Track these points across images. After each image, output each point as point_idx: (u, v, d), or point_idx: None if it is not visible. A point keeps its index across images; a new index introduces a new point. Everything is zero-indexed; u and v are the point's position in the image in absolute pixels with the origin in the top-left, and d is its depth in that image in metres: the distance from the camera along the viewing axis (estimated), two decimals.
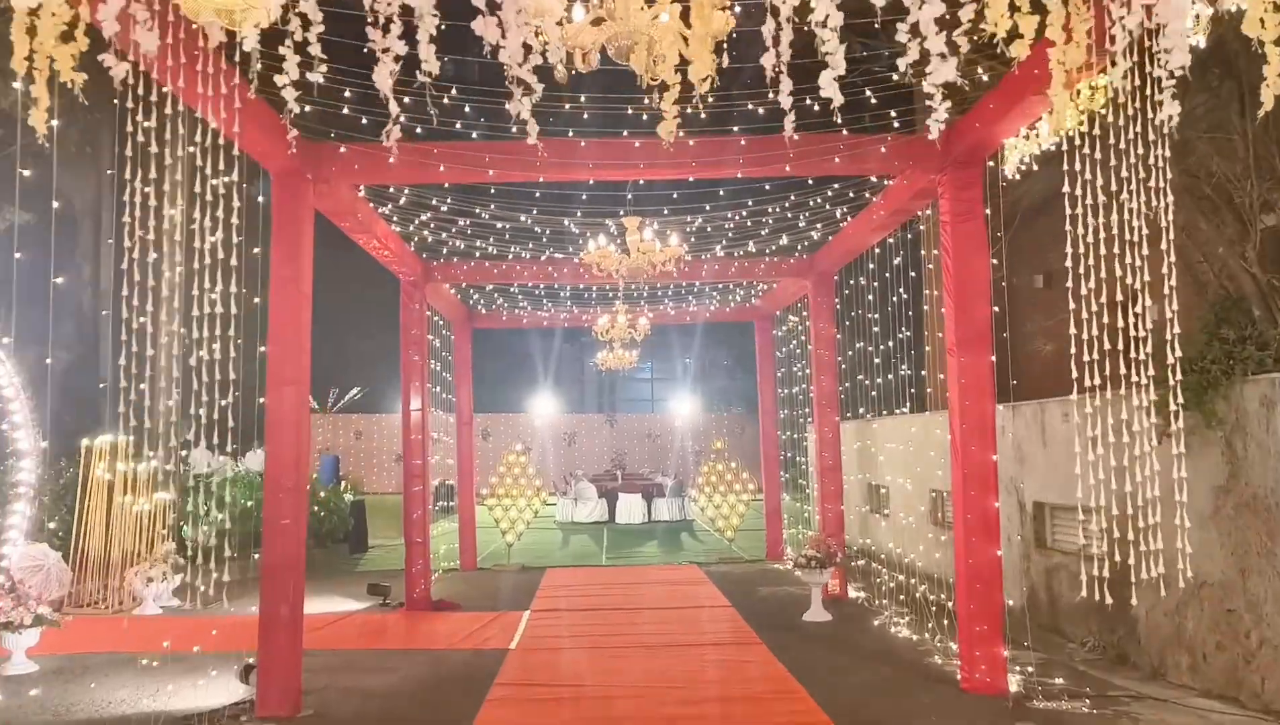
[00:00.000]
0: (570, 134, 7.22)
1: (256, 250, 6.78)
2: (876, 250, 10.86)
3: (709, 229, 10.14)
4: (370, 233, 9.04)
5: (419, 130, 6.53)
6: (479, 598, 11.51)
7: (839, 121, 7.15)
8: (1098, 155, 4.03)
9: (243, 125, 4.27)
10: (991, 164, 7.35)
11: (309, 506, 14.42)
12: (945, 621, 8.60)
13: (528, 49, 3.18)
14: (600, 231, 9.57)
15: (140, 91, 3.80)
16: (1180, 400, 4.05)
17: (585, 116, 7.20)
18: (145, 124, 3.86)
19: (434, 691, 7.26)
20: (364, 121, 6.41)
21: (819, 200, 9.25)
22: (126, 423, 4.30)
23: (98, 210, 16.50)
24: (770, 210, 9.40)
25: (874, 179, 8.70)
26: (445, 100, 6.45)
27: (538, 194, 9.19)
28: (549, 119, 7.11)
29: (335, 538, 15.59)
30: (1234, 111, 7.32)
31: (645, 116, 6.79)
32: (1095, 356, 4.13)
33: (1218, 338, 6.54)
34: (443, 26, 3.19)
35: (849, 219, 9.92)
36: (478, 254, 11.20)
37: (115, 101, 3.90)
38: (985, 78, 6.29)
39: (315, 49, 3.04)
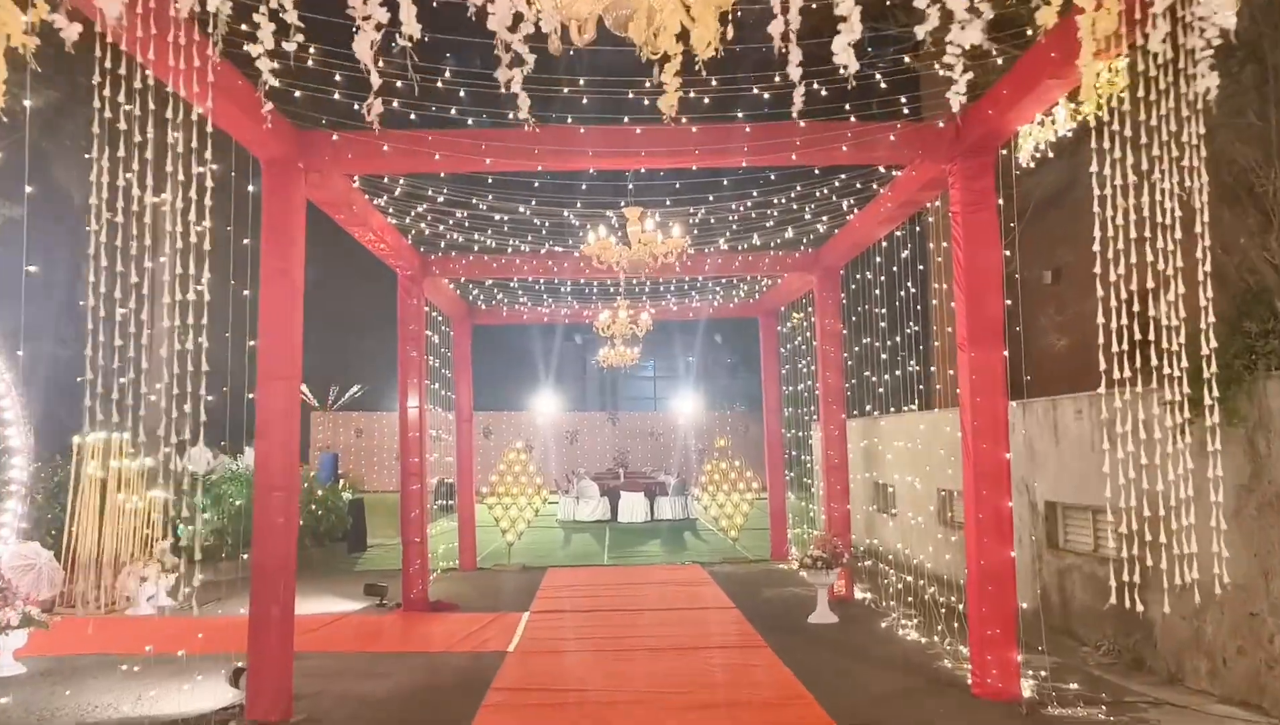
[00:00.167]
0: (569, 120, 7.00)
1: (246, 241, 6.59)
2: (883, 243, 10.64)
3: (712, 221, 9.93)
4: (366, 225, 8.85)
5: (413, 117, 6.33)
6: (478, 598, 11.32)
7: (847, 108, 6.97)
8: (1127, 132, 3.80)
9: (221, 104, 4.07)
10: (1004, 152, 7.11)
11: (307, 505, 14.39)
12: (955, 624, 8.38)
13: (519, 18, 2.97)
14: (601, 223, 9.35)
15: (109, 65, 3.60)
16: (1215, 394, 3.83)
17: (584, 101, 6.98)
18: (108, 95, 3.64)
19: (429, 697, 7.06)
20: (356, 107, 6.20)
21: (825, 191, 9.03)
22: (94, 418, 4.10)
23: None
24: (776, 201, 9.18)
25: (881, 170, 8.49)
26: (439, 84, 6.24)
27: (536, 184, 8.98)
28: (549, 111, 6.90)
29: (333, 537, 15.41)
30: (1257, 97, 7.08)
31: (646, 101, 6.58)
32: (1124, 347, 3.89)
33: (1240, 331, 6.31)
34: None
35: (855, 211, 9.70)
36: (476, 248, 11.00)
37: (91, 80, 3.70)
38: (999, 61, 6.07)
39: (291, 16, 2.84)
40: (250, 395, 6.66)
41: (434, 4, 3.20)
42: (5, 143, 7.42)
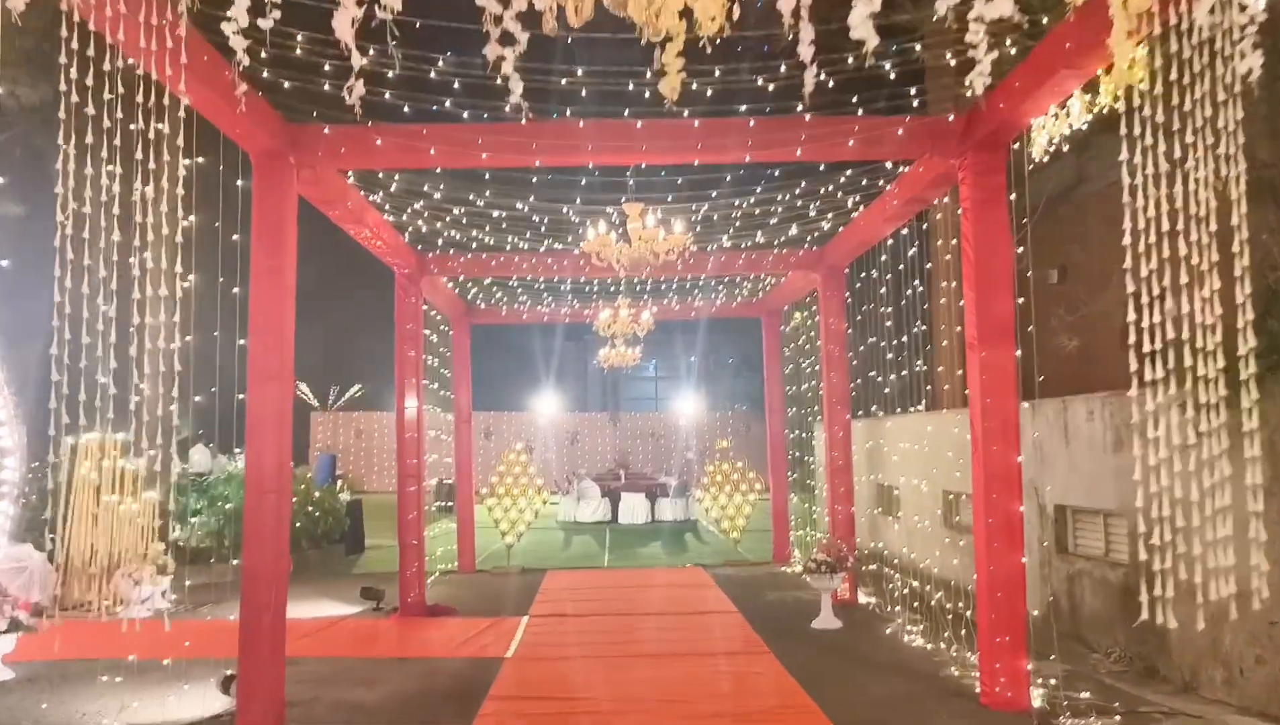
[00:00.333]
0: (568, 114, 6.81)
1: (236, 237, 6.41)
2: (889, 241, 10.45)
3: (715, 218, 9.74)
4: (361, 222, 8.66)
5: (406, 109, 6.15)
6: (476, 602, 11.14)
7: (855, 100, 6.78)
8: (1159, 117, 3.61)
9: (202, 92, 3.88)
10: (1015, 146, 6.92)
11: (304, 507, 14.20)
12: (962, 630, 8.19)
13: None
14: (600, 219, 9.16)
15: (76, 45, 3.42)
16: (1255, 396, 3.64)
17: (583, 94, 6.79)
18: (74, 76, 3.47)
19: (424, 704, 6.89)
20: (346, 99, 6.03)
21: (830, 188, 8.84)
22: (58, 419, 3.93)
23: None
24: (779, 197, 9.00)
25: (888, 166, 8.30)
26: (433, 75, 6.06)
27: (534, 180, 8.80)
28: (546, 105, 6.71)
29: (331, 538, 15.22)
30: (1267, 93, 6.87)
31: (647, 94, 6.40)
32: (1157, 346, 3.70)
33: (1264, 331, 6.11)
34: None
35: (861, 208, 9.52)
36: (474, 246, 10.82)
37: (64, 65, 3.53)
38: (1012, 51, 5.88)
39: None
40: (240, 396, 6.49)
41: None
42: (1, 138, 7.28)
